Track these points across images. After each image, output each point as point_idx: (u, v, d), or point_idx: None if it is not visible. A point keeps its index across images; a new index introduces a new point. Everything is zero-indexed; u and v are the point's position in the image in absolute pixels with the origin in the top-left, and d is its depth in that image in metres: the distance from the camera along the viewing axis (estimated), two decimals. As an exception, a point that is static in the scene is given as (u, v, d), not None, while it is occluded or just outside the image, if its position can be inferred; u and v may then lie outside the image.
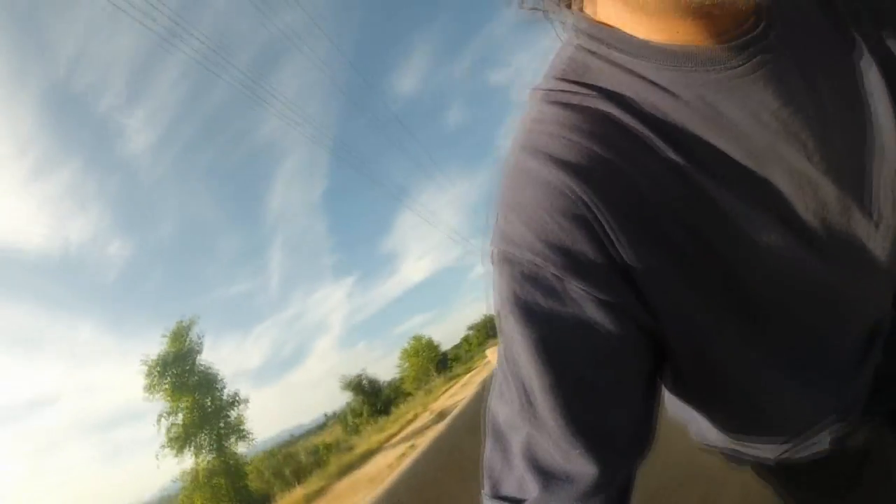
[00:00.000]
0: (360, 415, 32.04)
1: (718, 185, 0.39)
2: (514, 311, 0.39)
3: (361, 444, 20.15)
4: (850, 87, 0.41)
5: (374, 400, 33.24)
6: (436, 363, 37.23)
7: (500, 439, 0.42)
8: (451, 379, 29.23)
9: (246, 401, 21.68)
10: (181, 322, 20.90)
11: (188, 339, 20.72)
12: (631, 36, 0.39)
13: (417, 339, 38.98)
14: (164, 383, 19.69)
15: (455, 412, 2.70)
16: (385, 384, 36.21)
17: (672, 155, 0.39)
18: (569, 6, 0.44)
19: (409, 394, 33.23)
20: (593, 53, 0.41)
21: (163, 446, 19.21)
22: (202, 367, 20.71)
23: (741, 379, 0.46)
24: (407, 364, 38.06)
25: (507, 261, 0.40)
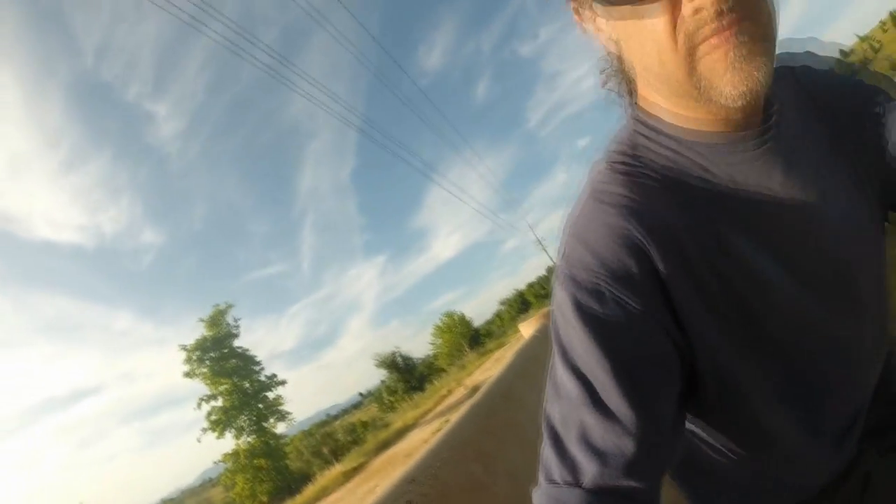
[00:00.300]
0: (395, 392, 32.41)
1: (743, 240, 0.52)
2: (577, 315, 0.49)
3: (397, 421, 20.30)
4: (829, 169, 0.57)
5: (409, 377, 33.54)
6: (468, 339, 37.19)
7: (556, 436, 0.48)
8: (484, 354, 29.15)
9: (283, 382, 22.11)
10: (218, 307, 21.34)
11: (225, 324, 21.16)
12: (670, 124, 0.54)
13: (450, 315, 39.01)
14: (204, 368, 20.19)
15: (490, 380, 2.68)
16: (419, 361, 36.49)
17: (706, 214, 0.52)
18: (630, 93, 0.59)
19: (443, 370, 33.36)
20: (643, 134, 0.56)
21: (204, 429, 19.82)
22: (239, 351, 21.13)
23: (755, 405, 0.55)
24: (440, 340, 38.20)
25: (570, 278, 0.51)
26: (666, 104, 0.54)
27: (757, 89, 0.45)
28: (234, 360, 20.60)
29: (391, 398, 32.03)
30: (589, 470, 0.45)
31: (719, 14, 0.42)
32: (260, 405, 20.87)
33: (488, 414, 2.08)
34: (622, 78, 0.58)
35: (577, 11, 0.54)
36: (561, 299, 0.52)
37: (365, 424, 24.03)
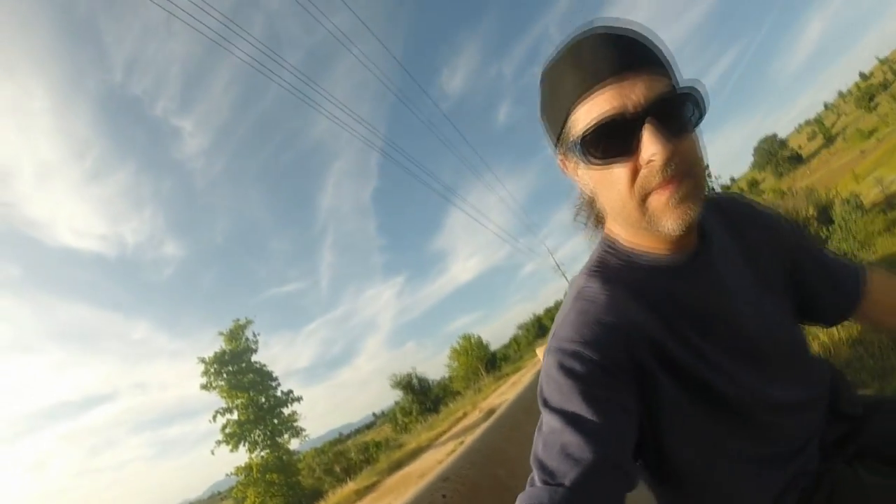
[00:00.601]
0: (410, 413, 32.10)
1: (694, 332, 0.69)
2: (559, 371, 0.63)
3: (411, 442, 20.09)
4: (745, 274, 0.77)
5: (424, 398, 33.22)
6: (485, 362, 36.78)
7: (539, 460, 0.59)
8: (500, 378, 28.79)
9: (299, 398, 22.12)
10: (238, 321, 21.60)
11: (244, 339, 21.38)
12: (628, 247, 0.73)
13: (466, 338, 38.73)
14: (221, 381, 20.37)
15: (513, 397, 2.81)
16: (434, 383, 36.14)
17: (659, 311, 0.68)
18: (597, 224, 0.78)
19: (459, 392, 32.99)
20: (610, 254, 0.74)
21: (218, 442, 19.89)
22: (257, 366, 21.29)
23: (713, 460, 0.71)
24: (456, 363, 37.88)
25: (557, 348, 0.66)
26: (624, 234, 0.73)
27: (690, 224, 0.62)
28: (251, 375, 20.75)
29: (405, 419, 31.72)
30: (569, 474, 0.55)
31: (664, 170, 0.59)
32: (275, 420, 20.90)
33: (512, 426, 2.39)
34: (592, 213, 0.77)
35: (563, 162, 0.70)
36: (547, 364, 0.66)
37: (378, 444, 23.78)
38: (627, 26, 0.63)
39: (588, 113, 0.61)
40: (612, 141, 0.60)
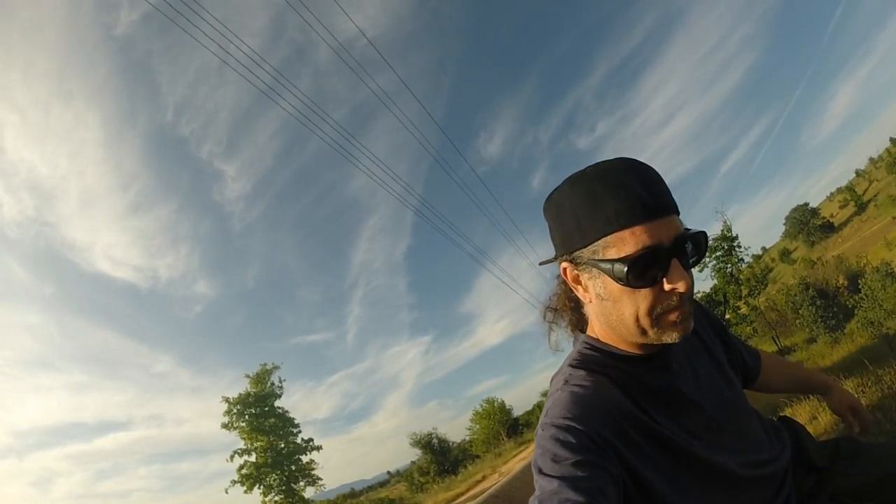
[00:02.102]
0: (427, 473, 31.20)
1: (662, 410, 0.82)
2: (551, 440, 0.74)
3: (427, 501, 19.56)
4: (704, 362, 0.96)
5: (443, 459, 32.30)
6: (507, 427, 35.77)
7: None
8: (521, 444, 27.97)
9: (319, 447, 21.92)
10: (264, 366, 21.80)
11: (269, 383, 21.50)
12: (606, 346, 0.86)
13: (490, 401, 37.81)
14: (242, 422, 20.39)
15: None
16: (454, 445, 35.21)
17: (633, 397, 0.82)
18: (572, 324, 0.98)
19: (478, 456, 32.01)
20: (590, 351, 0.88)
21: (233, 482, 19.63)
22: (279, 411, 21.32)
23: None
24: (478, 426, 36.84)
25: (549, 423, 0.77)
26: (603, 336, 0.87)
27: (687, 336, 0.77)
28: (273, 419, 20.68)
29: (422, 479, 30.77)
30: None
31: (682, 297, 0.73)
32: (292, 467, 20.66)
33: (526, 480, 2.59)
34: (572, 315, 0.96)
35: (567, 269, 0.82)
36: (540, 437, 0.76)
37: (393, 501, 23.13)
38: (648, 164, 0.76)
39: (631, 241, 0.70)
40: (648, 269, 0.71)
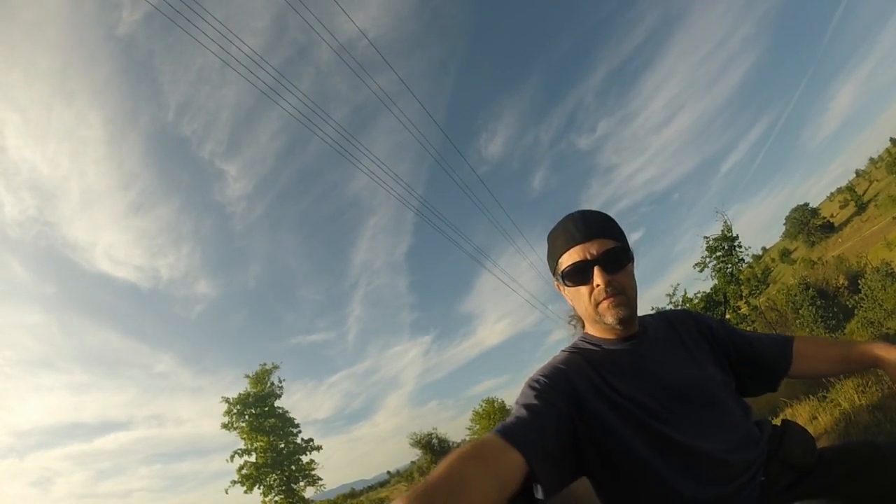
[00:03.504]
0: (427, 473, 31.10)
1: (622, 384, 1.06)
2: (526, 386, 1.05)
3: (427, 501, 19.45)
4: (682, 355, 1.17)
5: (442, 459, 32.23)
6: (505, 425, 35.55)
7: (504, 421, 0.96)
8: (520, 441, 27.75)
9: (319, 447, 21.93)
10: (265, 365, 21.82)
11: (270, 383, 21.51)
12: (593, 336, 1.19)
13: (490, 401, 37.73)
14: (242, 422, 20.41)
15: None
16: (454, 445, 35.17)
17: (605, 370, 1.09)
18: (577, 325, 1.29)
19: (477, 455, 31.83)
20: (583, 341, 1.20)
21: (233, 482, 19.65)
22: (280, 411, 21.33)
23: (645, 471, 0.99)
24: (478, 426, 36.79)
25: (528, 379, 1.08)
26: (592, 331, 1.20)
27: (622, 319, 1.09)
28: (273, 420, 20.68)
29: (422, 479, 30.58)
30: (508, 425, 0.91)
31: (606, 290, 1.08)
32: (292, 467, 20.68)
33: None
34: (578, 321, 1.28)
35: (557, 284, 1.20)
36: (521, 391, 1.05)
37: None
38: (597, 211, 1.16)
39: (567, 260, 1.12)
40: (578, 275, 1.11)
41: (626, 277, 1.11)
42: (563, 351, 1.20)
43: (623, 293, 1.10)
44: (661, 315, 1.29)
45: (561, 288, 1.19)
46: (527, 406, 0.96)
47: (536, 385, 1.04)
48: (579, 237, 1.10)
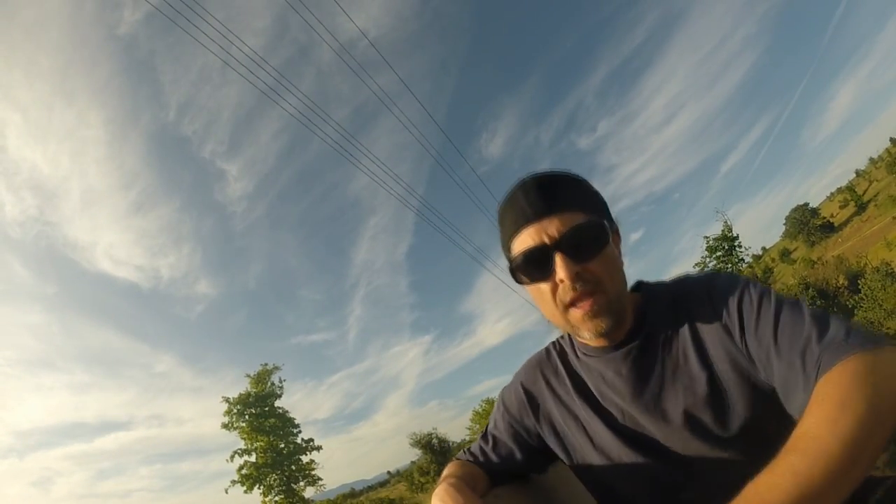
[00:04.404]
0: (427, 473, 31.18)
1: (588, 410, 0.88)
2: (498, 401, 1.02)
3: (428, 501, 19.51)
4: (691, 362, 0.80)
5: (443, 459, 32.27)
6: (505, 425, 35.60)
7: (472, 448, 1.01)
8: (521, 441, 27.81)
9: (319, 447, 21.95)
10: (265, 366, 21.89)
11: (270, 383, 21.55)
12: (579, 341, 0.91)
13: (490, 401, 37.81)
14: (242, 422, 20.44)
15: None
16: (454, 445, 35.20)
17: (571, 385, 0.91)
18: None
19: (477, 455, 31.86)
20: (562, 341, 0.98)
21: (234, 482, 19.72)
22: (280, 411, 21.35)
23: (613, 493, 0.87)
24: (478, 426, 36.86)
25: (502, 391, 1.03)
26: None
27: (604, 333, 0.79)
28: (273, 420, 20.73)
29: (422, 479, 30.78)
30: (478, 450, 0.99)
31: (573, 287, 0.76)
32: (292, 467, 20.69)
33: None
34: None
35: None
36: (496, 406, 1.04)
37: (392, 501, 23.14)
38: (558, 172, 0.82)
39: (518, 246, 0.80)
40: (533, 266, 0.78)
41: (602, 265, 0.77)
42: (541, 350, 1.03)
43: (601, 289, 0.77)
44: (668, 292, 0.87)
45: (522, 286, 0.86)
46: (493, 429, 0.99)
47: (503, 403, 0.99)
48: (531, 212, 0.78)
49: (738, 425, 0.75)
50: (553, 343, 1.01)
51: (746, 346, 0.75)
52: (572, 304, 0.77)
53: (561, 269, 0.75)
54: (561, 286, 0.77)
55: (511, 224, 0.81)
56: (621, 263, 0.84)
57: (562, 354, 0.96)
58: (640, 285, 0.93)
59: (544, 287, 0.79)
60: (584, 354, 0.91)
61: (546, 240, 0.76)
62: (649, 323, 0.85)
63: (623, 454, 0.83)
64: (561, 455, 0.93)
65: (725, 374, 0.77)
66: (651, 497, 0.81)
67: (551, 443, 0.93)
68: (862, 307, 11.46)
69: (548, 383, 0.95)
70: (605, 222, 0.79)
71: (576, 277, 0.75)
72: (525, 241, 0.78)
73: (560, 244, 0.76)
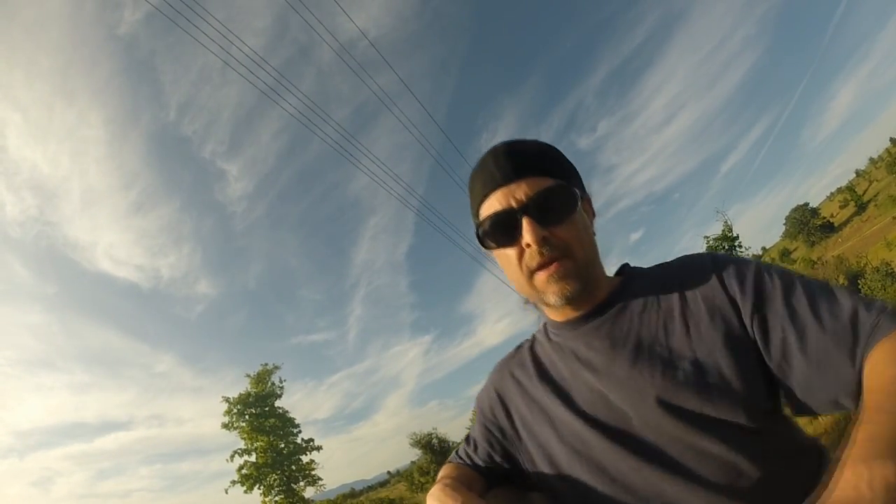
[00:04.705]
0: (427, 473, 31.19)
1: (554, 398, 0.82)
2: (476, 404, 0.97)
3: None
4: (676, 337, 0.74)
5: (443, 459, 32.27)
6: (505, 424, 35.61)
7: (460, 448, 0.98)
8: (520, 441, 27.81)
9: (319, 447, 21.94)
10: (265, 366, 21.86)
11: (270, 383, 21.53)
12: (549, 319, 0.88)
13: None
14: (242, 422, 20.42)
15: None
16: (455, 445, 35.20)
17: (538, 381, 0.85)
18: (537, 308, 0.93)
19: (477, 454, 31.88)
20: (542, 328, 0.93)
21: (233, 482, 19.69)
22: (280, 411, 21.34)
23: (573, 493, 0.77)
24: (477, 425, 36.88)
25: (479, 393, 0.98)
26: (547, 309, 0.88)
27: (570, 297, 0.76)
28: (273, 420, 20.71)
29: (422, 479, 30.79)
30: (462, 451, 0.96)
31: (540, 252, 0.74)
32: (293, 467, 20.69)
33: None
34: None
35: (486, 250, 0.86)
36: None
37: (392, 501, 23.14)
38: (529, 140, 0.82)
39: (485, 211, 0.79)
40: (500, 230, 0.77)
41: (571, 230, 0.76)
42: (516, 347, 0.98)
43: (568, 254, 0.75)
44: (657, 271, 0.84)
45: (489, 253, 0.84)
46: (473, 433, 0.95)
47: (478, 407, 0.96)
48: (500, 176, 0.77)
49: (725, 409, 0.67)
50: (527, 338, 0.97)
51: (760, 323, 0.68)
52: (539, 268, 0.76)
53: (527, 232, 0.73)
54: (528, 251, 0.75)
55: (480, 189, 0.80)
56: (592, 232, 0.82)
57: (532, 345, 0.93)
58: (623, 268, 0.91)
59: (511, 252, 0.77)
60: (556, 334, 0.86)
61: (513, 203, 0.75)
62: (625, 297, 0.81)
63: (592, 447, 0.74)
64: (532, 454, 0.84)
65: (717, 353, 0.69)
66: (622, 492, 0.71)
67: (527, 443, 0.85)
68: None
69: (515, 379, 0.90)
70: (576, 190, 0.78)
71: (542, 242, 0.74)
72: (493, 205, 0.78)
73: (527, 208, 0.74)
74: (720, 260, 0.78)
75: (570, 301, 0.77)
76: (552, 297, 0.76)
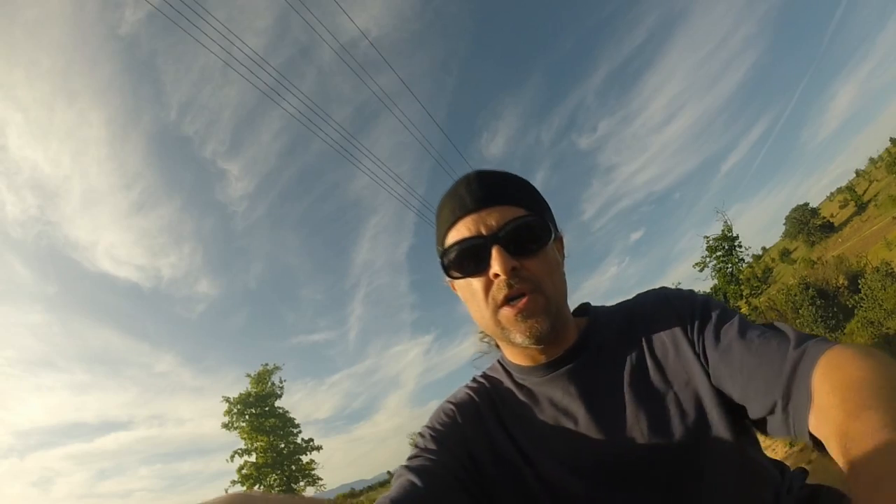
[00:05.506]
0: (427, 472, 31.25)
1: (520, 430, 0.76)
2: (418, 437, 0.80)
3: (428, 501, 19.51)
4: (648, 384, 0.73)
5: (441, 458, 32.31)
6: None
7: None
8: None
9: (319, 447, 21.97)
10: (265, 365, 21.88)
11: (270, 383, 21.57)
12: (511, 362, 0.82)
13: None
14: (242, 422, 20.45)
15: None
16: (452, 443, 35.24)
17: (505, 412, 0.79)
18: (497, 346, 0.89)
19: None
20: (499, 366, 0.86)
21: (233, 482, 19.72)
22: (280, 411, 21.37)
23: None
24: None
25: (426, 424, 0.82)
26: (510, 352, 0.82)
27: (539, 337, 0.70)
28: (273, 420, 20.74)
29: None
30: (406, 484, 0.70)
31: (508, 284, 0.70)
32: (293, 467, 20.73)
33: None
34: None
35: (450, 281, 0.81)
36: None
37: (393, 501, 23.09)
38: (504, 171, 0.79)
39: (452, 237, 0.75)
40: (468, 259, 0.73)
41: (542, 264, 0.72)
42: (467, 385, 0.87)
43: (538, 289, 0.71)
44: (620, 310, 0.83)
45: (452, 285, 0.80)
46: (416, 460, 0.74)
47: (422, 439, 0.79)
48: (471, 202, 0.73)
49: (710, 439, 0.67)
50: (480, 376, 0.88)
51: (709, 357, 0.70)
52: (506, 301, 0.71)
53: (497, 262, 0.69)
54: (496, 281, 0.71)
55: (448, 215, 0.76)
56: (563, 272, 0.79)
57: (495, 386, 0.83)
58: (586, 308, 0.88)
59: (476, 283, 0.73)
60: (523, 378, 0.80)
61: (483, 230, 0.72)
62: (596, 339, 0.79)
63: (578, 497, 0.70)
64: (511, 498, 0.75)
65: (691, 384, 0.71)
66: None
67: (503, 486, 0.75)
68: (862, 307, 11.46)
69: (487, 421, 0.79)
70: (550, 224, 0.75)
71: (512, 273, 0.70)
72: (461, 231, 0.74)
73: (498, 236, 0.71)
74: (672, 295, 0.80)
75: (539, 341, 0.72)
76: (520, 337, 0.72)
